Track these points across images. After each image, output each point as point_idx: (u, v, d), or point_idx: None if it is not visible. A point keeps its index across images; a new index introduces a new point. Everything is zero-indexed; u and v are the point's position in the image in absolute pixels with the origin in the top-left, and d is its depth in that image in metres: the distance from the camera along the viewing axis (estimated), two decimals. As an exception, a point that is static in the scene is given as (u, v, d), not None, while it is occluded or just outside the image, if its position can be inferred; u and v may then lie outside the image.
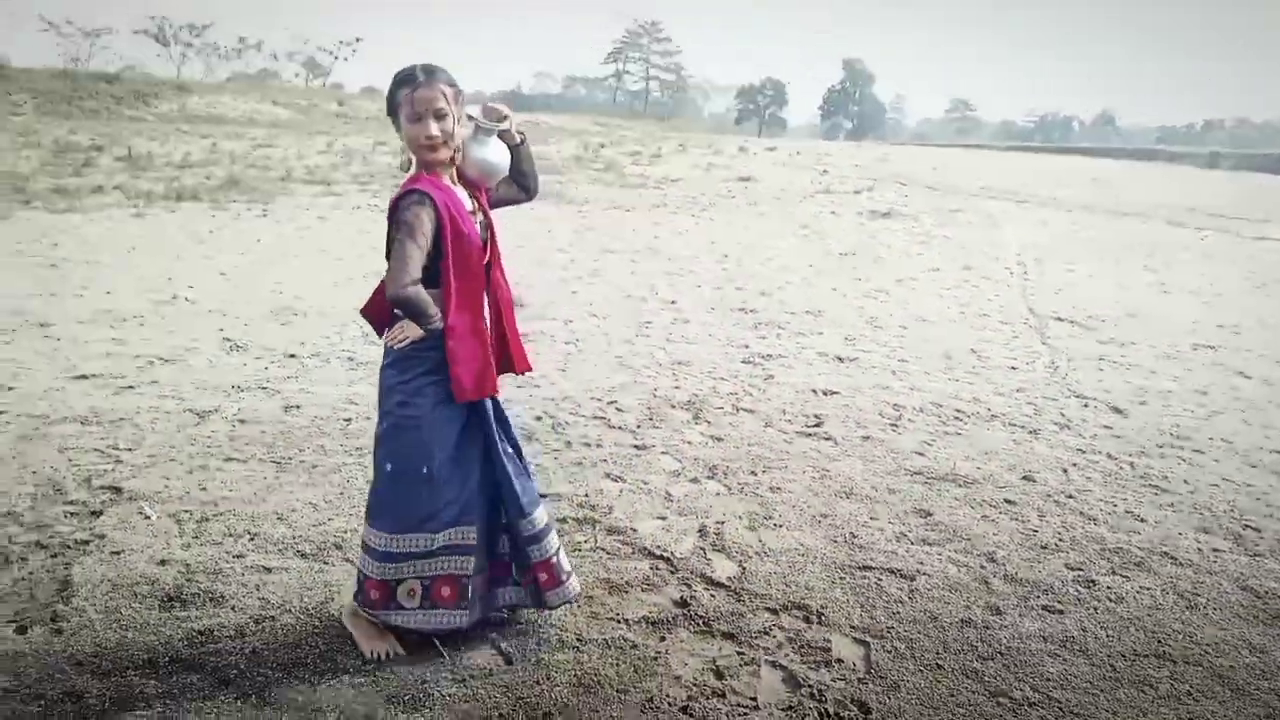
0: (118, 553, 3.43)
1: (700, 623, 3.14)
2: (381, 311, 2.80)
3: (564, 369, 6.04)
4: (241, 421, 4.85)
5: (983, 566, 3.59)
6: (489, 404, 2.84)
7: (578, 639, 3.00)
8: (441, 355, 2.68)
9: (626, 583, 3.37)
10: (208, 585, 3.24)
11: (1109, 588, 3.45)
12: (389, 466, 2.79)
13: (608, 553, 3.59)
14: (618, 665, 2.88)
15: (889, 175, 21.60)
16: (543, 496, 3.14)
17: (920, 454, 4.76)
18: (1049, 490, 4.35)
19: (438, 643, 2.91)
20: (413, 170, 2.71)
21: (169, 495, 3.94)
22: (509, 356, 2.89)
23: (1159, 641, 3.11)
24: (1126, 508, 4.19)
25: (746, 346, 6.79)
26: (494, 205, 2.90)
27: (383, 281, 2.66)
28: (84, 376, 5.47)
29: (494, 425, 2.84)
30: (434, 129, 2.57)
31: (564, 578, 2.98)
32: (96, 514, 3.75)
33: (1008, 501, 4.20)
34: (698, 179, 18.17)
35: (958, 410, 5.49)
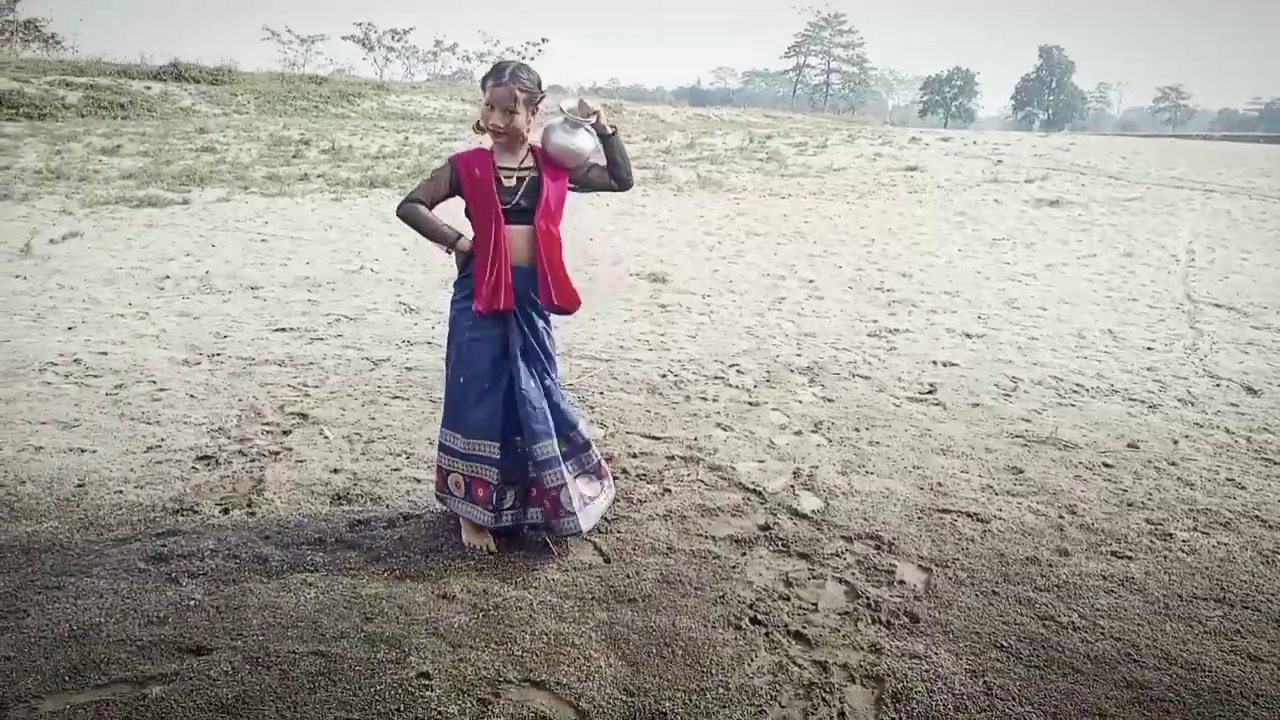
0: (301, 461, 4.16)
1: (779, 544, 3.52)
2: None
3: (694, 336, 6.49)
4: (408, 369, 5.57)
5: (1061, 517, 3.78)
6: (518, 338, 3.33)
7: (668, 547, 3.46)
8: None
9: (719, 509, 3.79)
10: (369, 489, 3.90)
11: (1185, 541, 3.58)
12: (446, 371, 3.45)
13: (706, 485, 4.02)
14: (699, 570, 3.31)
15: (1069, 165, 20.73)
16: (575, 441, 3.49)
17: (1027, 420, 4.92)
18: (1151, 457, 4.44)
19: (550, 541, 3.44)
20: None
21: (344, 422, 4.66)
22: (546, 291, 3.32)
23: (1222, 589, 3.25)
24: (1229, 476, 4.24)
25: (875, 321, 7.03)
26: (587, 188, 3.41)
27: None
28: (283, 329, 6.38)
29: (519, 358, 3.33)
30: (497, 121, 3.17)
31: (562, 513, 3.34)
32: (287, 433, 4.51)
33: (1105, 465, 4.33)
34: (861, 168, 18.13)
35: (1077, 384, 5.56)
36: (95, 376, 5.25)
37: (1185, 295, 8.25)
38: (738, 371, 5.69)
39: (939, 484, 4.08)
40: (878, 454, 4.42)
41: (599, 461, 3.58)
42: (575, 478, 3.45)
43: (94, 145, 14.88)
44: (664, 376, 5.54)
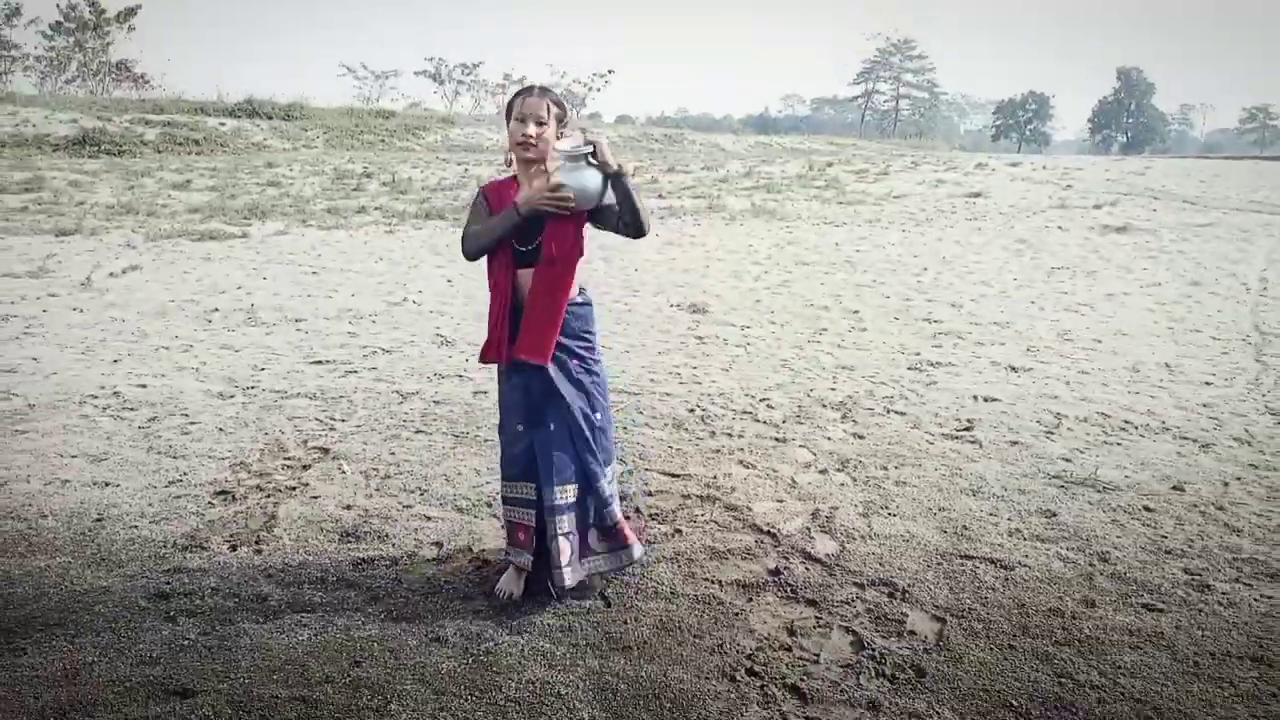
0: (316, 498, 4.17)
1: (787, 590, 3.39)
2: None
3: (728, 369, 6.38)
4: (436, 402, 5.58)
5: (1091, 564, 3.58)
6: (551, 378, 3.19)
7: (671, 592, 3.35)
8: None
9: (729, 550, 3.67)
10: (378, 527, 3.88)
11: (1224, 594, 3.35)
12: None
13: (719, 525, 3.91)
14: (700, 616, 3.20)
15: (1143, 189, 20.10)
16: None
17: (1067, 460, 4.70)
18: (1197, 501, 4.19)
19: (551, 586, 3.36)
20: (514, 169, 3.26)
21: (364, 457, 4.67)
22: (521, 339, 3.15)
23: (1259, 646, 3.02)
24: (1281, 522, 3.97)
25: (918, 354, 6.83)
26: (602, 227, 3.24)
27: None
28: (319, 362, 6.46)
29: (546, 398, 3.20)
30: (530, 129, 3.08)
31: (553, 566, 3.21)
32: (306, 467, 4.53)
33: (1146, 509, 4.10)
34: (922, 195, 17.84)
35: (1125, 422, 5.31)
36: (131, 409, 5.36)
37: (1253, 326, 7.85)
38: (768, 406, 5.56)
39: (964, 527, 3.90)
40: (903, 495, 4.25)
41: (616, 523, 3.35)
42: (586, 528, 3.33)
43: (166, 180, 15.43)
44: (691, 411, 5.44)
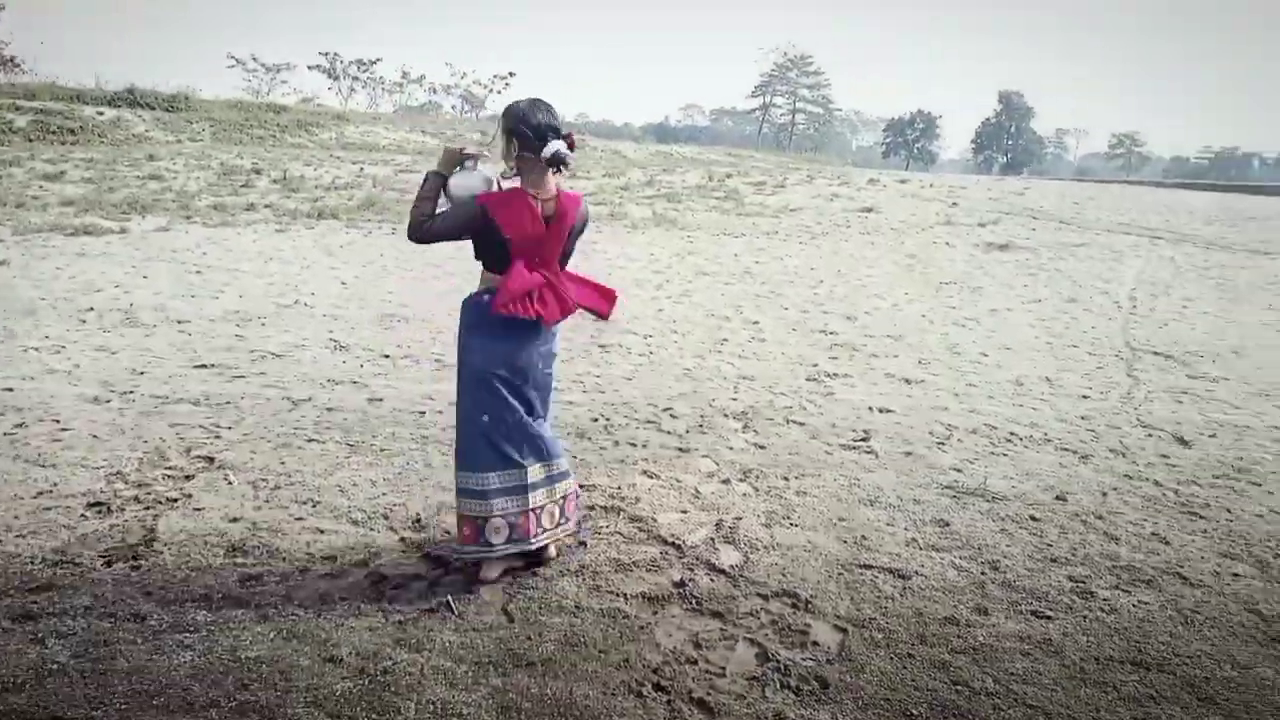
0: (199, 510, 3.96)
1: (693, 602, 3.38)
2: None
3: (630, 379, 6.36)
4: (329, 409, 5.38)
5: (983, 573, 3.68)
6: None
7: (576, 606, 3.31)
8: None
9: (634, 563, 3.65)
10: (267, 540, 3.71)
11: (1105, 600, 3.50)
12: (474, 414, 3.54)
13: (624, 537, 3.88)
14: (606, 630, 3.16)
15: (1023, 209, 21.00)
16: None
17: (958, 470, 4.84)
18: (1079, 510, 4.37)
19: (450, 599, 3.28)
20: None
21: (252, 466, 4.47)
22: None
23: (1139, 650, 3.16)
24: (1154, 530, 4.17)
25: (815, 365, 6.95)
26: None
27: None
28: (204, 366, 6.17)
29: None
30: None
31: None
32: (189, 478, 4.31)
33: (1032, 518, 4.25)
34: (818, 209, 18.23)
35: (1011, 433, 5.51)
36: (-4, 415, 5.01)
37: (1125, 342, 8.28)
38: (671, 416, 5.56)
39: (863, 538, 3.97)
40: (804, 505, 4.31)
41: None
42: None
43: (37, 170, 14.56)
44: (595, 420, 5.40)
